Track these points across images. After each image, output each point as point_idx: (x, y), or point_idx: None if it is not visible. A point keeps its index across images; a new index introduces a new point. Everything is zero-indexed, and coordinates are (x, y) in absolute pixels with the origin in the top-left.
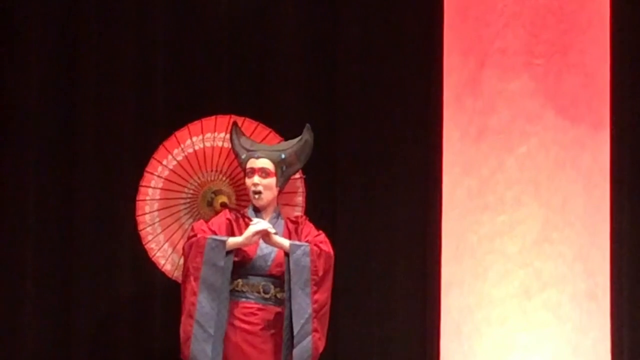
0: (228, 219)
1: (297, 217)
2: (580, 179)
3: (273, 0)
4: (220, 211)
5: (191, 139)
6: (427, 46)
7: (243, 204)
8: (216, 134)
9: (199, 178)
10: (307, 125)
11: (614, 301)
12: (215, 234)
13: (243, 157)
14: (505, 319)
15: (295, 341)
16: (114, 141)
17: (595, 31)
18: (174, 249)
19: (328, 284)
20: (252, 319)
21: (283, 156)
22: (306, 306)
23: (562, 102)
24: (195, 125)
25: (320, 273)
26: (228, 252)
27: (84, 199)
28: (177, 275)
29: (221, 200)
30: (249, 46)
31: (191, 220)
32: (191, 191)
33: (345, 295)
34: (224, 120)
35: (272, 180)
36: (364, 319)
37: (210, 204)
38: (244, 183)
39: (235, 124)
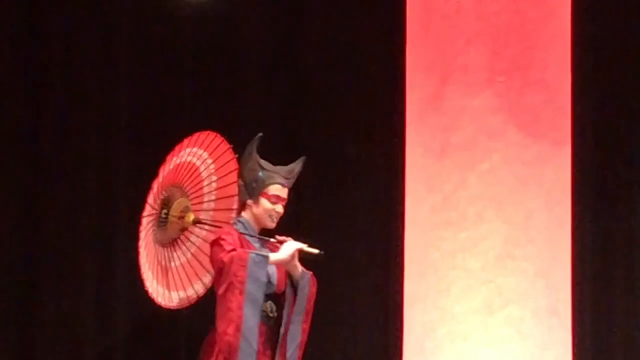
0: (239, 236)
1: (280, 239)
2: (542, 195)
3: (237, 19)
4: (189, 227)
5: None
6: (389, 63)
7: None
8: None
9: (162, 195)
10: (303, 157)
11: (576, 317)
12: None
13: (260, 174)
14: (467, 335)
15: None
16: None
17: (556, 48)
18: (154, 276)
19: (311, 317)
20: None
21: (291, 185)
22: (297, 334)
23: (524, 118)
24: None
25: (312, 304)
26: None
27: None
28: (158, 298)
29: (192, 217)
30: (213, 58)
31: (157, 243)
32: (154, 211)
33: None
34: (204, 136)
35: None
36: (327, 335)
37: (172, 221)
38: (196, 196)
39: (259, 136)
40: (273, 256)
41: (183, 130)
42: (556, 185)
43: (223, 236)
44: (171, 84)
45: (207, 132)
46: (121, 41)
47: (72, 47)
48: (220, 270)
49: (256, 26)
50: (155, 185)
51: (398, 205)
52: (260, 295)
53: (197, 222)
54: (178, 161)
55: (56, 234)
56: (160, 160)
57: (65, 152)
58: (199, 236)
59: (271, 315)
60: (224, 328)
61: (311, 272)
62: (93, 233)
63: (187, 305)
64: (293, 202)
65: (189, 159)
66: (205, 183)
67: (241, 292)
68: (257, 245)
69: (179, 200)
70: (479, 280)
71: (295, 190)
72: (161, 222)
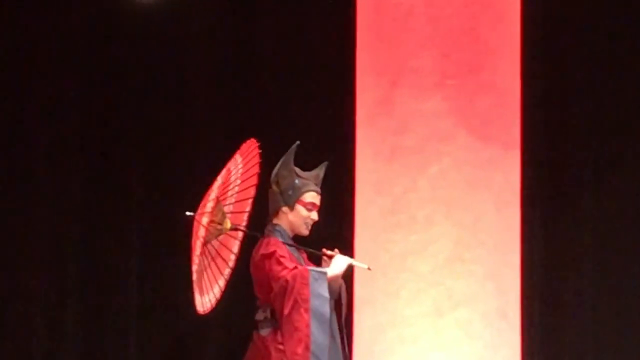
0: (279, 242)
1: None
2: (492, 198)
3: (187, 22)
4: (226, 233)
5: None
6: (340, 66)
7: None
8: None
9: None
10: (326, 162)
11: (525, 319)
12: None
13: (296, 181)
14: (417, 338)
15: None
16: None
17: (506, 52)
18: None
19: None
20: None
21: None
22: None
23: (474, 122)
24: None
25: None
26: None
27: None
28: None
29: (230, 224)
30: (165, 70)
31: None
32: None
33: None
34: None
35: None
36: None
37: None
38: (223, 200)
39: (297, 144)
40: (330, 271)
41: (132, 129)
42: (506, 188)
43: (279, 252)
44: (119, 83)
45: (251, 140)
46: (68, 38)
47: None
48: (283, 289)
49: (206, 28)
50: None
51: (348, 208)
52: (326, 311)
53: (234, 228)
54: (225, 168)
55: None
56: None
57: None
58: (218, 239)
59: None
60: (293, 348)
61: None
62: None
63: (209, 310)
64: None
65: (230, 165)
66: (230, 186)
67: (306, 310)
68: (295, 254)
69: (218, 206)
70: (428, 283)
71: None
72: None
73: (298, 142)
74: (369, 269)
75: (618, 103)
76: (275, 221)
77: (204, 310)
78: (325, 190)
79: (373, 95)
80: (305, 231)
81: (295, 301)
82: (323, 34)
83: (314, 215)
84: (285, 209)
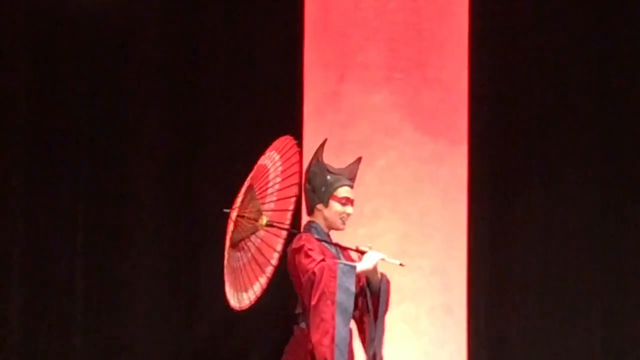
0: (312, 237)
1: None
2: (439, 193)
3: (133, 14)
4: (262, 230)
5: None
6: (288, 60)
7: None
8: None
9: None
10: (360, 157)
11: (470, 315)
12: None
13: (328, 177)
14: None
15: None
16: None
17: (453, 47)
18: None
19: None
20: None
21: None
22: (381, 331)
23: (421, 116)
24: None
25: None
26: None
27: None
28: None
29: (265, 220)
30: (108, 58)
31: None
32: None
33: (197, 306)
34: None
35: None
36: (228, 326)
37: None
38: (262, 197)
39: (325, 141)
40: (359, 266)
41: (78, 127)
42: (452, 183)
43: (308, 245)
44: (67, 79)
45: (286, 136)
46: (14, 35)
47: None
48: (311, 281)
49: (151, 19)
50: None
51: (296, 201)
52: (350, 305)
53: (270, 225)
54: (258, 164)
55: None
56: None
57: None
58: (258, 236)
59: None
60: (319, 338)
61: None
62: None
63: (248, 307)
64: (188, 200)
65: (264, 162)
66: (270, 184)
67: (333, 303)
68: (332, 250)
69: (252, 202)
70: None
71: (191, 188)
72: (237, 224)
73: (326, 138)
74: (401, 264)
75: (564, 98)
76: (311, 218)
77: (240, 307)
78: None
79: (320, 89)
80: (341, 226)
81: (323, 292)
82: (271, 28)
83: (349, 210)
84: (320, 206)
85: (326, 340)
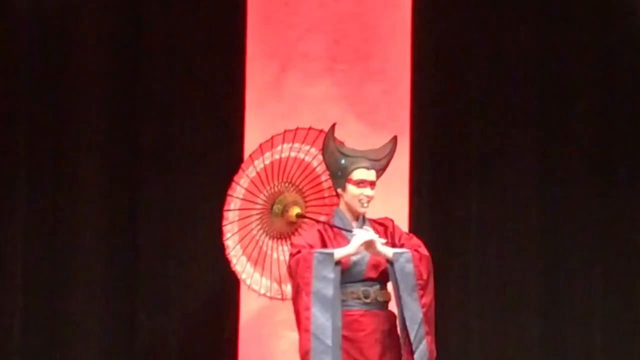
0: (319, 230)
1: (382, 219)
2: (380, 185)
3: (75, 7)
4: (295, 222)
5: (282, 145)
6: (230, 49)
7: (313, 212)
8: (303, 145)
9: (270, 188)
10: (395, 136)
11: None
12: (312, 247)
13: (342, 161)
14: None
15: (413, 347)
16: None
17: (396, 39)
18: (243, 251)
19: (432, 285)
20: (356, 326)
21: (381, 166)
22: (417, 311)
23: (363, 108)
24: (290, 133)
25: (425, 277)
26: (336, 264)
27: None
28: (244, 277)
29: (296, 211)
30: (48, 50)
31: (262, 231)
32: (262, 202)
33: (145, 297)
34: (316, 133)
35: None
36: (163, 319)
37: (278, 215)
38: (313, 192)
39: (333, 125)
40: (338, 252)
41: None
42: (394, 175)
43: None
44: (8, 80)
45: (309, 128)
46: None
47: None
48: (290, 276)
49: (91, 9)
50: (246, 177)
51: None
52: (328, 292)
53: (300, 216)
54: (278, 157)
55: None
56: None
57: None
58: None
59: (367, 300)
60: (298, 331)
61: (414, 249)
62: None
63: (280, 299)
64: (132, 189)
65: (293, 154)
66: (323, 178)
67: (307, 294)
68: (350, 236)
69: (290, 195)
70: None
71: (135, 177)
72: (272, 214)
73: (335, 122)
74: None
75: (505, 91)
76: (338, 206)
77: (251, 287)
78: (212, 173)
79: (262, 79)
80: (362, 209)
81: (298, 285)
82: (213, 18)
83: (368, 192)
84: (339, 191)
85: (301, 332)
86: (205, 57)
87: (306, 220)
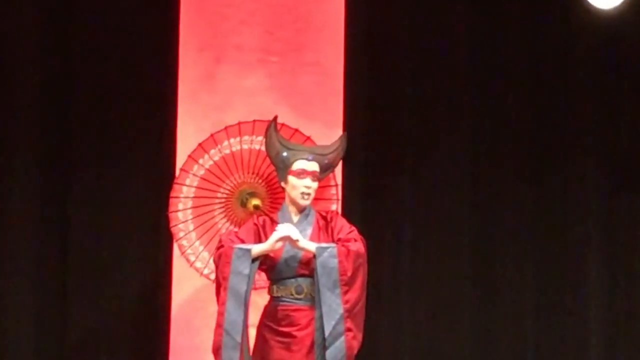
0: (255, 224)
1: (327, 212)
2: None
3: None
4: (253, 213)
5: (229, 140)
6: (162, 40)
7: (277, 207)
8: (254, 137)
9: (235, 179)
10: (344, 133)
11: None
12: (243, 242)
13: (284, 154)
14: None
15: (327, 342)
16: None
17: (330, 31)
18: (205, 246)
19: (359, 282)
20: (287, 321)
21: (326, 161)
22: (337, 307)
23: (296, 99)
24: (233, 128)
25: (349, 273)
26: (254, 260)
27: None
28: (207, 273)
29: (254, 202)
30: None
31: (225, 219)
32: (227, 191)
33: (77, 289)
34: (263, 124)
35: (317, 184)
36: (95, 312)
37: (244, 204)
38: (279, 186)
39: (275, 118)
40: (256, 247)
41: None
42: None
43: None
44: None
45: (254, 120)
46: None
47: None
48: (215, 270)
49: (26, 11)
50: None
51: (169, 183)
52: (242, 288)
53: (257, 207)
54: (229, 151)
55: None
56: None
57: None
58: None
59: (299, 296)
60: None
61: (342, 244)
62: None
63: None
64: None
65: (246, 147)
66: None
67: (225, 289)
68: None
69: (257, 187)
70: None
71: (67, 172)
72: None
73: (276, 115)
74: (297, 240)
75: (439, 84)
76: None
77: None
78: (145, 166)
79: (196, 71)
80: (302, 201)
81: (218, 279)
82: (145, 10)
83: (308, 182)
84: (283, 184)
85: (217, 327)
86: (138, 49)
87: (262, 212)
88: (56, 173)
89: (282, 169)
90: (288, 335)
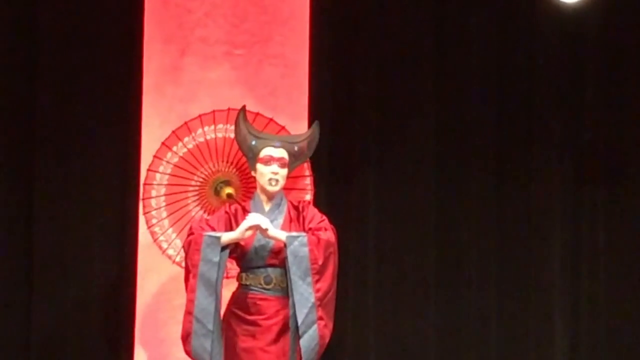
0: (227, 212)
1: (299, 202)
2: None
3: None
4: (226, 202)
5: (203, 128)
6: (127, 32)
7: (250, 196)
8: (228, 125)
9: (209, 167)
10: (317, 121)
11: None
12: (214, 229)
13: (253, 142)
14: None
15: (301, 331)
16: None
17: (295, 23)
18: (177, 234)
19: (330, 271)
20: (254, 309)
21: (296, 148)
22: (308, 295)
23: (262, 92)
24: (207, 116)
25: (320, 261)
26: (224, 248)
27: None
28: (179, 260)
29: (227, 191)
30: None
31: (198, 207)
32: (200, 179)
33: (42, 285)
34: (235, 113)
35: (286, 171)
36: (60, 304)
37: (217, 193)
38: (252, 175)
39: (243, 107)
40: (226, 235)
41: None
42: None
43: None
44: None
45: (228, 109)
46: None
47: None
48: (185, 257)
49: None
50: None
51: (133, 175)
52: (212, 275)
53: (229, 196)
54: (203, 139)
55: None
56: None
57: None
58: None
59: (268, 286)
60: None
61: (317, 228)
62: None
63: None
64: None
65: (220, 135)
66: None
67: (194, 276)
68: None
69: (230, 175)
70: None
71: (32, 165)
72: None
73: (244, 104)
74: (266, 229)
75: (404, 77)
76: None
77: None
78: (110, 159)
79: (160, 63)
80: (271, 188)
81: (187, 267)
82: (110, 2)
83: (275, 168)
84: (253, 173)
85: (186, 314)
86: (102, 41)
87: (235, 200)
88: (19, 168)
89: (252, 157)
90: (254, 323)
